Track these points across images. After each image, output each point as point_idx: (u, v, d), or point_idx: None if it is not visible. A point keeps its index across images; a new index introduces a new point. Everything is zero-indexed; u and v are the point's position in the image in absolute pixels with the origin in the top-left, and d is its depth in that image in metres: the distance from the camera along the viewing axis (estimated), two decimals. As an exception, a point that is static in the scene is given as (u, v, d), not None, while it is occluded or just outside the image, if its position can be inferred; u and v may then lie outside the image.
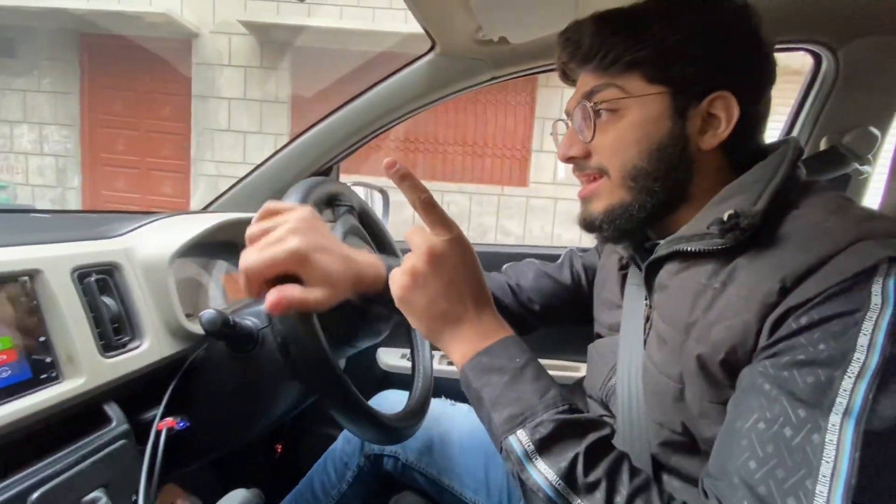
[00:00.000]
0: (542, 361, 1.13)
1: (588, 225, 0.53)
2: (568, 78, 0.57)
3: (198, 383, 0.63)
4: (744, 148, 0.49)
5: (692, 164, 0.49)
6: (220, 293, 0.83)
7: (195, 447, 0.62)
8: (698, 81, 0.47)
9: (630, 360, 0.54)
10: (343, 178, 1.33)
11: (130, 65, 5.38)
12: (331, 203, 0.72)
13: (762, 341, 0.39)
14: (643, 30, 0.48)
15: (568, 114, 0.55)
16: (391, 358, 1.12)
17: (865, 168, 0.85)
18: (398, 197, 0.56)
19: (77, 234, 0.57)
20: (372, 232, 0.76)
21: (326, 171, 1.08)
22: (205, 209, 1.01)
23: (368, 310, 0.65)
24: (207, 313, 0.54)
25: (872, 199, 0.87)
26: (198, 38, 5.26)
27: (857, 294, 0.36)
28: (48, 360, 0.47)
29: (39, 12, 4.98)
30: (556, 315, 0.78)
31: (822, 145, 0.87)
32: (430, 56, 0.88)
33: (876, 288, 0.36)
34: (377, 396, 0.90)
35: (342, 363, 0.77)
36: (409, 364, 0.78)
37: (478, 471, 0.79)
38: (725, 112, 0.47)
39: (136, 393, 0.57)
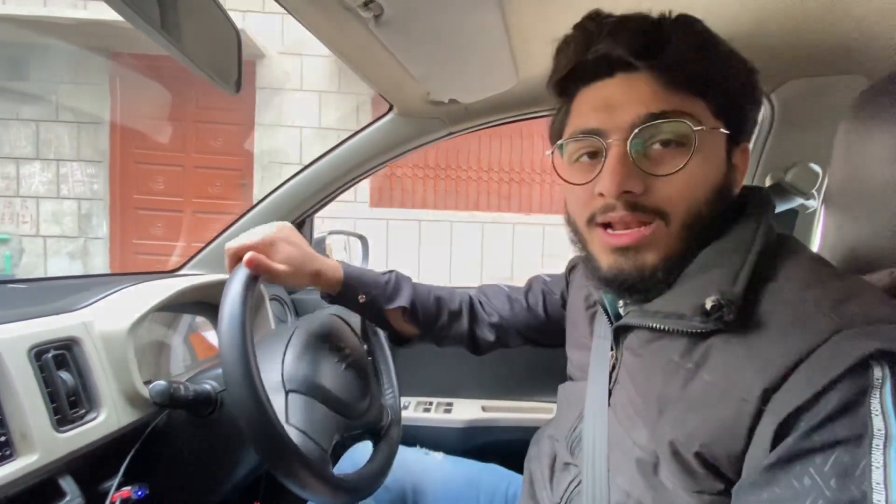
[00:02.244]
0: (513, 403, 1.14)
1: (637, 279, 0.45)
2: (567, 92, 0.49)
3: (159, 450, 0.64)
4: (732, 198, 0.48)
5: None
6: (188, 353, 0.85)
7: (156, 515, 0.63)
8: (745, 129, 0.47)
9: (595, 413, 0.53)
10: (335, 222, 1.37)
11: (173, 88, 4.35)
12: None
13: (757, 461, 0.36)
14: (712, 49, 0.44)
15: (615, 130, 0.43)
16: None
17: (811, 203, 0.88)
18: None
19: (38, 309, 0.60)
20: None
21: (300, 225, 1.11)
22: (178, 269, 1.04)
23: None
24: (156, 386, 0.56)
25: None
26: (263, 59, 4.38)
27: (855, 413, 0.32)
28: (2, 438, 0.49)
29: (60, 25, 4.01)
30: (511, 334, 0.79)
31: (767, 182, 0.90)
32: (389, 116, 0.93)
33: (875, 405, 0.32)
34: (350, 451, 0.90)
35: None
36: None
37: (449, 518, 0.78)
38: (743, 162, 0.47)
39: (94, 463, 0.58)
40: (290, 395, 0.60)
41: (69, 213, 4.39)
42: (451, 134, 0.97)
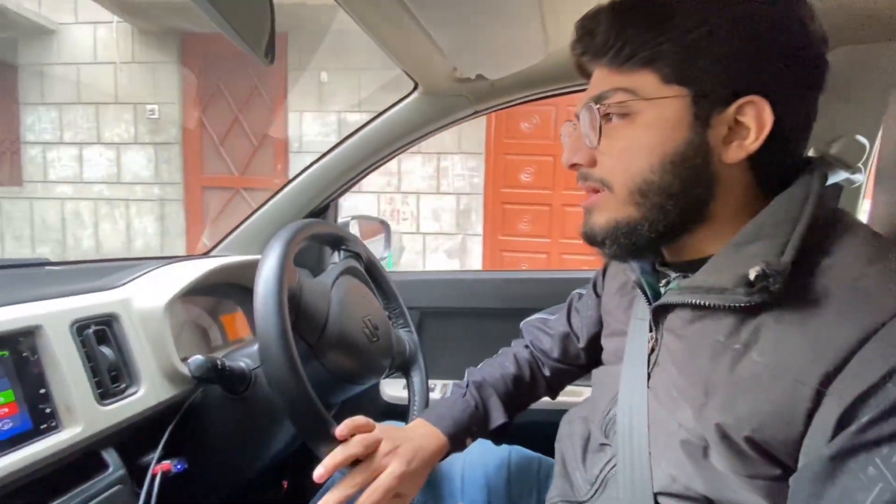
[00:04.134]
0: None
1: (590, 239, 0.49)
2: (585, 72, 0.51)
3: (195, 426, 0.65)
4: (775, 163, 0.43)
5: (714, 180, 0.42)
6: (220, 334, 0.86)
7: (194, 489, 0.64)
8: (725, 83, 0.40)
9: (632, 394, 0.52)
10: (353, 210, 1.37)
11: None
12: (336, 246, 0.76)
13: (817, 448, 0.34)
14: (665, 21, 0.41)
15: (577, 115, 0.49)
16: (394, 389, 1.13)
17: (857, 177, 0.84)
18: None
19: (79, 286, 0.61)
20: (377, 281, 0.81)
21: (325, 208, 1.12)
22: (207, 253, 1.06)
23: (371, 349, 0.68)
24: (195, 360, 0.56)
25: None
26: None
27: None
28: (48, 410, 0.50)
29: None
30: (574, 367, 0.77)
31: (810, 154, 0.86)
32: (414, 95, 0.92)
33: None
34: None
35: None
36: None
37: (480, 502, 0.78)
38: (756, 121, 0.40)
39: (134, 437, 0.59)
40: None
41: (448, 210, 4.06)
42: (476, 113, 0.95)
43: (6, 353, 0.49)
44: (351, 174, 1.04)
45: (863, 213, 0.87)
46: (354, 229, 1.27)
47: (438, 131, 0.98)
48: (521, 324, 0.83)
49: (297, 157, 4.08)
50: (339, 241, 0.76)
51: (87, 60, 4.15)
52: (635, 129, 0.43)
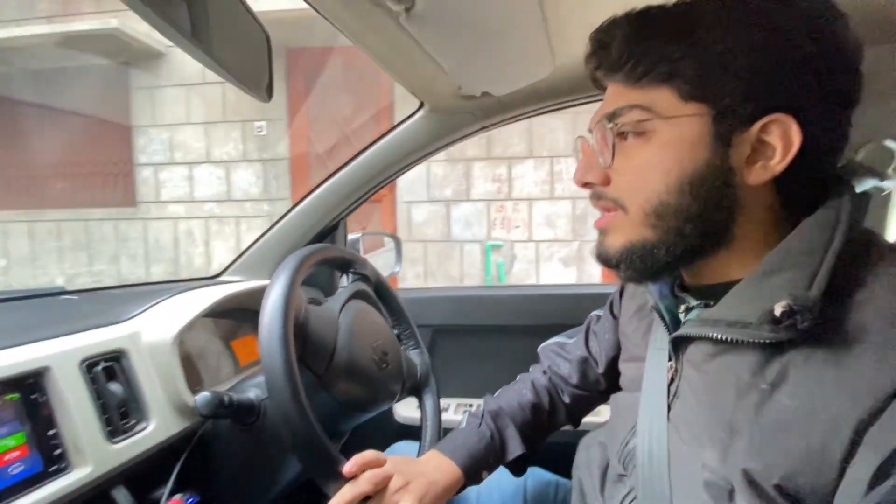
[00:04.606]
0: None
1: (603, 261, 0.46)
2: (600, 85, 0.49)
3: (206, 458, 0.65)
4: (804, 184, 0.40)
5: (736, 203, 0.40)
6: (231, 359, 0.86)
7: (206, 522, 0.64)
8: (748, 100, 0.37)
9: (651, 426, 0.49)
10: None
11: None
12: (344, 269, 0.75)
13: (852, 501, 0.31)
14: (684, 35, 0.39)
15: (591, 131, 0.47)
16: (407, 410, 1.11)
17: (887, 184, 0.80)
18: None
19: (89, 321, 0.61)
20: (386, 302, 0.80)
21: (334, 227, 1.11)
22: (219, 276, 1.06)
23: (381, 376, 0.67)
24: (202, 397, 0.56)
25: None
26: None
27: None
28: (58, 451, 0.50)
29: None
30: (594, 393, 0.73)
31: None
32: (421, 113, 0.91)
33: None
34: (390, 449, 0.90)
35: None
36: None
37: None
38: (782, 140, 0.37)
39: (146, 472, 0.59)
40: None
41: (563, 215, 3.82)
42: (483, 128, 0.93)
43: (17, 395, 0.49)
44: (359, 193, 1.04)
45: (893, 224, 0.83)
46: (363, 246, 1.27)
47: (445, 148, 0.97)
48: (539, 349, 0.80)
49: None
50: (346, 264, 0.75)
51: (195, 81, 4.21)
52: (651, 149, 0.41)
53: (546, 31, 0.66)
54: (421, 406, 0.78)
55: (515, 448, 0.66)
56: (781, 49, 0.37)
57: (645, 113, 0.41)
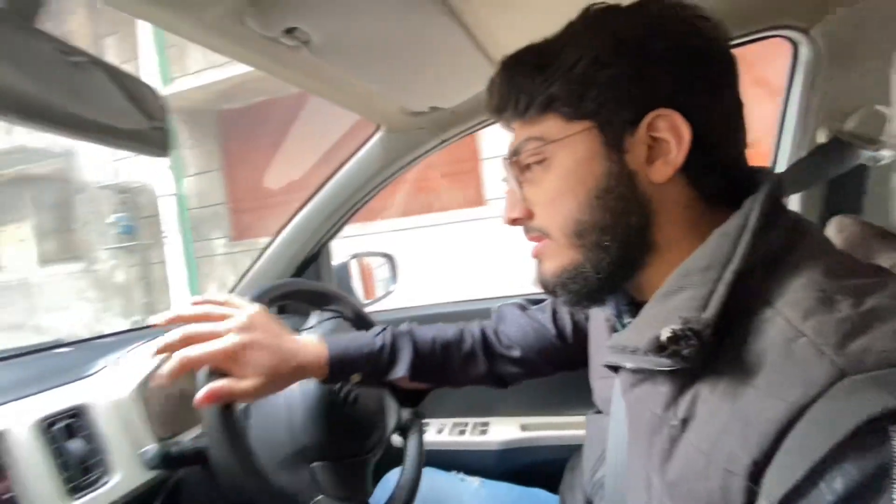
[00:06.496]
0: (556, 419, 1.05)
1: (543, 287, 0.47)
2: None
3: (180, 502, 0.65)
4: (712, 171, 0.39)
5: (647, 204, 0.39)
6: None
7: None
8: (624, 106, 0.38)
9: (617, 457, 0.47)
10: (350, 246, 1.37)
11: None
12: (319, 304, 0.74)
13: None
14: (549, 63, 0.40)
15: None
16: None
17: (884, 153, 0.72)
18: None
19: (58, 379, 0.63)
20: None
21: (316, 255, 1.12)
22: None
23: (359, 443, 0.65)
24: (146, 452, 0.56)
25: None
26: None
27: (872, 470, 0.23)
28: (15, 513, 0.52)
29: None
30: (538, 364, 0.69)
31: (823, 137, 0.75)
32: (378, 135, 0.90)
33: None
34: (382, 481, 0.88)
35: None
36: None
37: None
38: (672, 133, 0.37)
39: (116, 524, 0.60)
40: (314, 467, 0.60)
41: None
42: (444, 142, 0.91)
43: (-28, 462, 0.51)
44: (334, 218, 1.04)
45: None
46: (355, 268, 1.27)
47: (411, 164, 0.96)
48: (494, 307, 0.76)
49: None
50: (318, 299, 0.73)
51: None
52: (554, 173, 0.42)
53: (475, 42, 0.63)
54: (405, 443, 0.75)
55: (400, 370, 0.61)
56: (642, 51, 0.38)
57: (538, 142, 0.42)
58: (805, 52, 0.74)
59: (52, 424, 0.57)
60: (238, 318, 0.53)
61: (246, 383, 0.50)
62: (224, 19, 0.45)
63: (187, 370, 0.49)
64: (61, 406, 0.59)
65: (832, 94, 0.73)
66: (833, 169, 0.72)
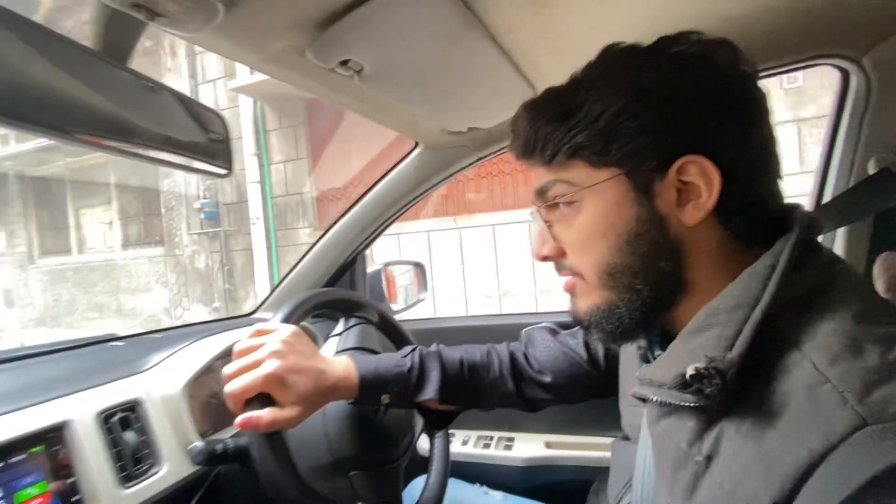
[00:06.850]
0: (581, 439, 1.04)
1: (578, 322, 0.47)
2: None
3: (220, 498, 0.69)
4: (745, 211, 0.39)
5: (679, 247, 0.39)
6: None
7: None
8: (651, 154, 0.38)
9: (645, 485, 0.47)
10: (379, 256, 1.40)
11: None
12: (346, 312, 0.76)
13: None
14: (573, 113, 0.41)
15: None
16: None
17: (938, 187, 0.69)
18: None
19: (116, 373, 0.68)
20: (393, 338, 0.79)
21: (352, 262, 1.15)
22: (253, 313, 1.14)
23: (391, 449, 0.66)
24: (193, 448, 0.60)
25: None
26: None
27: None
28: (75, 498, 0.56)
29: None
30: (569, 390, 0.69)
31: (871, 168, 0.72)
32: (417, 151, 0.93)
33: None
34: (409, 487, 0.90)
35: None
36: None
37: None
38: (702, 177, 0.37)
39: (161, 513, 0.64)
40: (352, 476, 0.62)
41: None
42: (480, 159, 0.93)
43: (41, 447, 0.56)
44: (370, 230, 1.07)
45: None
46: (385, 276, 1.30)
47: (447, 181, 0.98)
48: (523, 330, 0.76)
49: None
50: (347, 307, 0.76)
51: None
52: (584, 216, 0.43)
53: (514, 65, 0.65)
54: (431, 442, 0.78)
55: (430, 391, 0.61)
56: (666, 99, 0.38)
57: (567, 186, 0.43)
58: (856, 81, 0.72)
59: (110, 416, 0.62)
60: (271, 345, 0.54)
61: (288, 412, 0.51)
62: (285, 53, 0.49)
63: (240, 403, 0.51)
64: (119, 399, 0.64)
65: (884, 123, 0.71)
66: (882, 202, 0.70)
